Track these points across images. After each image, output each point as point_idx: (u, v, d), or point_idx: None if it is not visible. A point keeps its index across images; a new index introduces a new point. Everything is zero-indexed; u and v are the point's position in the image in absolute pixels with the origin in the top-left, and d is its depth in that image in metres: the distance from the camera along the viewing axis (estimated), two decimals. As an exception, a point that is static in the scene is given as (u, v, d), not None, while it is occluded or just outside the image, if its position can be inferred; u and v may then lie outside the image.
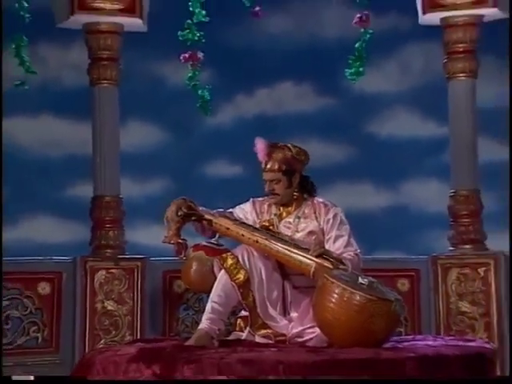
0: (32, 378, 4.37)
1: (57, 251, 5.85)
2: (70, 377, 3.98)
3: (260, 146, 4.27)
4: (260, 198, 4.36)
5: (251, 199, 4.38)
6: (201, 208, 4.29)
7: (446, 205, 5.88)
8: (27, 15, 5.36)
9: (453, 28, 5.77)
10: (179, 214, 4.22)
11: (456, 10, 5.72)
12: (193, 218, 4.28)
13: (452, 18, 5.76)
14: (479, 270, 5.69)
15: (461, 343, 4.28)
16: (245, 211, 4.34)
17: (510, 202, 4.65)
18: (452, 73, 5.81)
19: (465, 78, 5.78)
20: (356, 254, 4.20)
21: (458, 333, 5.56)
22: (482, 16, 5.76)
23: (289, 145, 4.28)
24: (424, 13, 5.81)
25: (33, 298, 5.55)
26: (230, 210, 4.35)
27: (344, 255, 4.16)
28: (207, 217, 4.28)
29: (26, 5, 5.36)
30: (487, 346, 4.28)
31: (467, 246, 5.77)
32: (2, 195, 5.02)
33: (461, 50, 5.78)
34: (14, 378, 4.45)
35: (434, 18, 5.82)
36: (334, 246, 4.20)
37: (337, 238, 4.21)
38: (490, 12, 5.73)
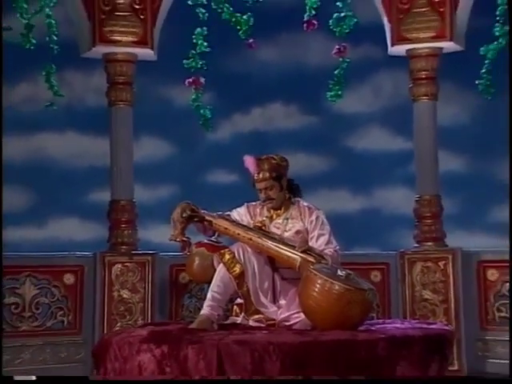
0: (34, 378, 4.25)
1: (80, 248, 5.82)
2: (69, 377, 3.92)
3: (249, 161, 4.27)
4: (253, 203, 4.37)
5: (245, 203, 4.38)
6: (202, 211, 4.28)
7: (411, 208, 5.87)
8: (56, 47, 5.35)
9: (417, 58, 5.77)
10: (184, 215, 4.21)
11: (419, 43, 5.71)
12: (195, 220, 4.27)
13: (416, 50, 5.75)
14: (439, 263, 5.68)
15: (424, 326, 4.29)
16: (240, 214, 4.34)
17: (510, 207, 4.57)
18: (416, 96, 5.80)
19: (427, 100, 5.78)
20: (335, 251, 4.21)
21: (421, 317, 5.54)
22: (441, 48, 5.76)
23: (271, 155, 4.28)
24: (392, 45, 5.81)
25: (59, 288, 5.52)
26: (228, 212, 4.35)
27: (325, 251, 4.16)
28: (208, 218, 4.27)
29: (55, 38, 5.35)
30: (446, 328, 4.30)
31: (430, 243, 5.76)
32: (2, 196, 4.98)
33: (424, 76, 5.77)
34: (16, 378, 4.33)
35: (401, 49, 5.81)
36: (317, 244, 4.20)
37: (319, 236, 4.22)
38: (447, 45, 5.73)
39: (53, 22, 5.36)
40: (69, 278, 5.53)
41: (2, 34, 5.06)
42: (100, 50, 5.67)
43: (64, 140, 6.47)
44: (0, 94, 4.98)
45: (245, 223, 4.29)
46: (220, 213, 4.32)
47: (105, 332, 5.35)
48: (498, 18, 5.42)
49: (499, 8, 5.40)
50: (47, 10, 5.35)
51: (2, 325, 5.19)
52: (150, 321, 5.46)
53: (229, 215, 4.34)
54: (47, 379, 4.62)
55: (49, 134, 6.41)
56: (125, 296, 5.54)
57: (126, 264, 5.57)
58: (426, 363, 3.87)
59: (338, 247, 4.24)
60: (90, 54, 5.75)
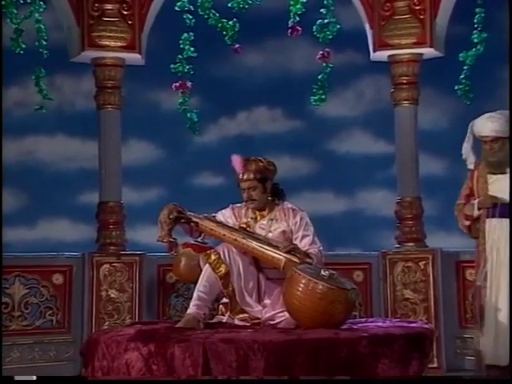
0: (34, 377, 4.19)
1: (70, 248, 5.79)
2: (70, 377, 3.87)
3: (236, 160, 4.27)
4: (238, 205, 4.36)
5: (230, 205, 4.37)
6: (188, 213, 4.26)
7: (393, 209, 5.87)
8: (45, 51, 5.33)
9: (398, 63, 5.77)
10: (171, 217, 4.19)
11: (401, 49, 5.72)
12: (182, 221, 4.25)
13: (397, 56, 5.76)
14: (420, 263, 5.69)
15: (405, 324, 4.29)
16: (225, 216, 4.33)
17: (510, 206, 4.65)
18: (398, 100, 5.81)
19: (408, 104, 5.78)
20: (319, 251, 4.21)
21: (402, 316, 5.54)
22: (421, 54, 5.77)
23: (259, 158, 4.28)
24: (374, 51, 5.82)
25: (48, 287, 5.49)
26: (213, 214, 4.34)
27: (309, 251, 4.16)
28: (194, 219, 4.26)
29: (45, 43, 5.32)
30: (426, 326, 4.29)
31: (410, 244, 5.76)
32: (2, 198, 4.94)
33: (405, 81, 5.78)
34: (17, 378, 4.28)
35: (382, 55, 5.82)
36: (301, 244, 4.20)
37: (303, 237, 4.22)
38: (427, 51, 5.74)
39: (42, 26, 5.34)
40: (57, 278, 5.50)
41: (2, 36, 5.03)
42: (89, 54, 5.65)
43: (54, 143, 6.44)
44: (0, 95, 4.95)
45: (230, 225, 4.27)
46: (206, 215, 4.31)
47: (93, 331, 5.31)
48: (476, 26, 5.46)
49: (477, 16, 5.44)
50: (37, 15, 5.33)
51: (2, 326, 5.14)
52: (137, 320, 5.43)
53: (214, 217, 4.32)
54: (48, 379, 4.55)
55: (39, 137, 6.38)
56: (113, 296, 5.52)
57: (114, 264, 5.55)
58: (407, 361, 3.87)
59: (321, 247, 4.24)
60: (79, 59, 5.72)
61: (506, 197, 4.65)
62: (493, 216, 4.72)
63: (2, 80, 4.98)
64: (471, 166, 4.87)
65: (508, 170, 4.71)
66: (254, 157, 4.29)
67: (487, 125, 4.73)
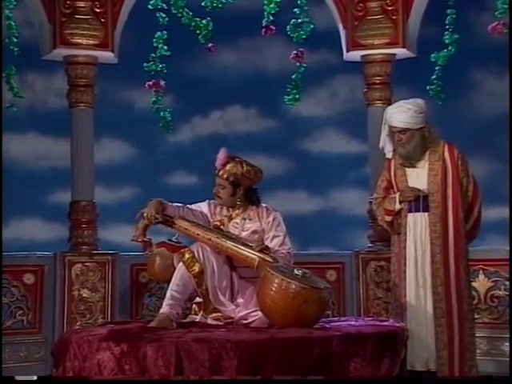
0: (35, 377, 4.16)
1: (40, 247, 5.74)
2: (72, 377, 3.83)
3: (221, 155, 4.28)
4: (213, 201, 4.37)
5: (207, 200, 4.39)
6: (169, 203, 4.25)
7: (366, 209, 5.91)
8: (16, 49, 5.27)
9: (371, 64, 5.80)
10: (156, 216, 4.17)
11: (374, 49, 5.75)
12: (158, 221, 4.26)
13: (370, 56, 5.79)
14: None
15: (377, 323, 4.32)
16: (201, 209, 4.35)
17: (510, 206, 4.57)
18: (371, 100, 5.83)
19: (381, 104, 5.80)
20: (288, 252, 4.23)
21: (375, 314, 5.57)
22: (394, 55, 5.80)
23: (244, 163, 4.28)
24: (348, 51, 5.84)
25: (19, 287, 5.43)
26: (188, 205, 4.34)
27: (278, 252, 4.18)
28: (169, 219, 4.26)
29: (16, 40, 5.27)
30: (397, 324, 4.32)
31: (383, 243, 5.80)
32: (3, 198, 4.91)
33: (378, 81, 5.81)
34: (18, 378, 4.25)
35: (356, 55, 5.85)
36: (271, 244, 4.22)
37: (274, 237, 4.24)
38: (400, 51, 5.77)
39: (13, 23, 5.29)
40: (29, 278, 5.45)
41: (2, 34, 4.97)
42: (61, 52, 5.60)
43: (26, 141, 6.39)
44: (0, 94, 4.87)
45: (204, 218, 4.29)
46: (180, 205, 4.30)
47: (65, 331, 5.26)
48: (447, 27, 5.51)
49: (448, 17, 5.49)
50: (7, 11, 5.27)
51: (2, 325, 5.07)
52: (110, 320, 5.39)
53: (190, 209, 4.33)
54: (48, 379, 4.51)
55: (11, 136, 6.30)
56: (85, 295, 5.48)
57: (87, 264, 5.51)
58: (379, 359, 3.90)
59: (291, 249, 4.26)
60: (51, 57, 5.67)
61: (425, 189, 4.46)
62: (416, 210, 4.47)
63: (1, 80, 4.92)
64: (389, 155, 4.67)
65: (418, 164, 4.51)
66: (241, 159, 4.29)
67: (395, 115, 4.52)
